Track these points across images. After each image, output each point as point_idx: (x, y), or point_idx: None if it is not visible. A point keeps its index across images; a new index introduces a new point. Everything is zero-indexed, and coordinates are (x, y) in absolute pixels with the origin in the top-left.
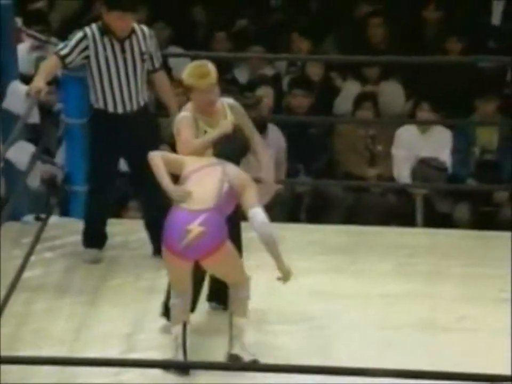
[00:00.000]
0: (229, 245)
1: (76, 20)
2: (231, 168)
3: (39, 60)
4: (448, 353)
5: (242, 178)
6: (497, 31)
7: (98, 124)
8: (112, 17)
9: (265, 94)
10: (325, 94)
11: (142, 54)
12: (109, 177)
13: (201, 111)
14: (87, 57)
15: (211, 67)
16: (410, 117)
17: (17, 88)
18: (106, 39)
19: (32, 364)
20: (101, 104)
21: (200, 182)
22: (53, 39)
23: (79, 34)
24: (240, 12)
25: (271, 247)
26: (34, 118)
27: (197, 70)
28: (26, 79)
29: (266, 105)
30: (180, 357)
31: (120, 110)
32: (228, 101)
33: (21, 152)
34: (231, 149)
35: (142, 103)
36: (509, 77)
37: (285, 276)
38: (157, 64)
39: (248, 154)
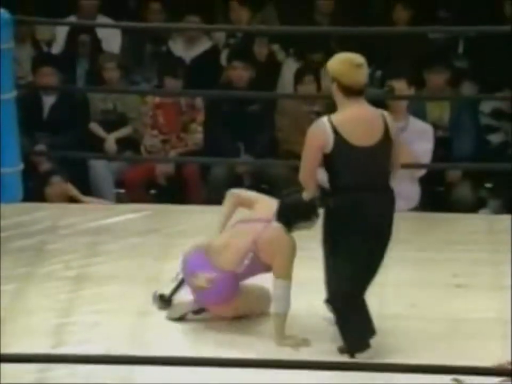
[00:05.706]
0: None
1: None
2: (271, 231)
3: None
4: (400, 341)
5: (275, 245)
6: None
7: None
8: None
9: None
10: (267, 68)
11: None
12: None
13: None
14: None
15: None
16: None
17: None
18: None
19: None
20: None
21: (233, 239)
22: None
23: None
24: None
25: (276, 320)
26: None
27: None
28: None
29: None
30: None
31: None
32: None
33: None
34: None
35: None
36: (461, 49)
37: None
38: None
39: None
